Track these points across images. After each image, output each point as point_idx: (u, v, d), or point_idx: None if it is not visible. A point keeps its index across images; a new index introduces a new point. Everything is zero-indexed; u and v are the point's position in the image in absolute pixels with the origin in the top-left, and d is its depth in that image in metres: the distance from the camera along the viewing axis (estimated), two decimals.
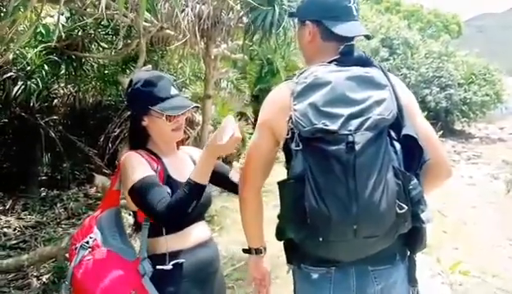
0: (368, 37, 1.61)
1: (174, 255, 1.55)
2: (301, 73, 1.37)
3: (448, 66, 14.71)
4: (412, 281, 1.45)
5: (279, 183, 1.31)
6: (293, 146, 1.26)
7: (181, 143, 1.77)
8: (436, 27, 24.73)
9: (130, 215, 1.82)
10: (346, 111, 1.24)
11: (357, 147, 1.20)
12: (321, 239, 1.24)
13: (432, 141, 1.38)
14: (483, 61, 15.78)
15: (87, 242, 1.56)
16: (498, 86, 15.08)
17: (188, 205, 1.47)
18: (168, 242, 1.55)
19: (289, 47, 4.95)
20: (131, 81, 1.64)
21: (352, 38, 1.41)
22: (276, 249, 1.61)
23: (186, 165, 1.69)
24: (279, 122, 1.35)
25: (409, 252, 1.44)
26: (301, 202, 1.22)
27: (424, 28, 23.60)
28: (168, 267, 1.52)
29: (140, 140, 1.64)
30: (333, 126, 1.22)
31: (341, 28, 1.43)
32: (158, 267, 1.52)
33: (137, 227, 1.62)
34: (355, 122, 1.23)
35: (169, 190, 1.53)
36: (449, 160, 1.47)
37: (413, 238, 1.37)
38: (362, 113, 1.24)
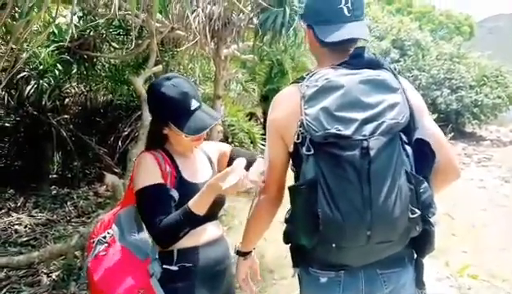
0: (364, 39, 1.49)
1: (182, 252, 1.56)
2: (311, 76, 1.34)
3: (460, 68, 14.56)
4: (420, 284, 1.44)
5: (290, 188, 1.30)
6: (304, 151, 1.24)
7: None
8: (448, 28, 24.51)
9: None
10: (360, 116, 1.22)
11: (372, 153, 1.19)
12: (333, 245, 1.23)
13: (440, 143, 1.36)
14: (495, 63, 15.60)
15: (105, 237, 1.61)
16: (510, 89, 14.89)
17: (180, 231, 1.49)
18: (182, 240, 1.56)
19: (299, 48, 4.97)
20: (151, 89, 1.63)
21: (347, 41, 1.37)
22: (281, 249, 1.62)
23: (201, 165, 1.71)
24: (288, 126, 1.33)
25: (417, 255, 1.43)
26: (313, 209, 1.21)
27: (436, 29, 23.42)
28: (175, 268, 1.54)
29: (158, 142, 1.65)
30: (346, 131, 1.20)
31: (330, 34, 1.38)
32: (165, 267, 1.54)
33: None
34: (369, 127, 1.21)
35: (176, 195, 1.54)
36: (457, 161, 1.45)
37: (422, 242, 1.36)
38: (376, 117, 1.23)
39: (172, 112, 1.56)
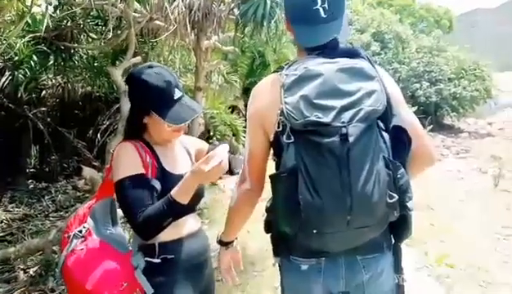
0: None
1: (164, 245, 1.54)
2: (290, 65, 1.35)
3: (439, 61, 14.76)
4: (398, 269, 1.46)
5: (271, 176, 1.30)
6: (284, 139, 1.25)
7: None
8: (427, 22, 24.78)
9: None
10: (338, 103, 1.24)
11: (351, 139, 1.20)
12: (314, 231, 1.24)
13: (416, 130, 1.38)
14: (474, 57, 15.87)
15: (80, 231, 1.56)
16: (488, 82, 15.16)
17: (164, 220, 1.46)
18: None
19: (281, 40, 4.95)
20: (133, 77, 1.59)
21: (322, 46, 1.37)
22: (263, 242, 1.61)
23: (180, 156, 1.69)
24: (269, 115, 1.33)
25: (395, 241, 1.45)
26: (294, 196, 1.22)
27: (416, 22, 23.65)
28: (157, 260, 1.52)
29: (137, 131, 1.61)
30: (326, 118, 1.22)
31: (307, 38, 1.40)
32: (147, 259, 1.51)
33: None
34: (347, 114, 1.23)
35: (159, 186, 1.51)
36: (433, 148, 1.48)
37: (400, 226, 1.38)
38: (354, 104, 1.24)
39: (154, 100, 1.52)
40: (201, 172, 1.42)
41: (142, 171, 1.50)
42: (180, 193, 1.46)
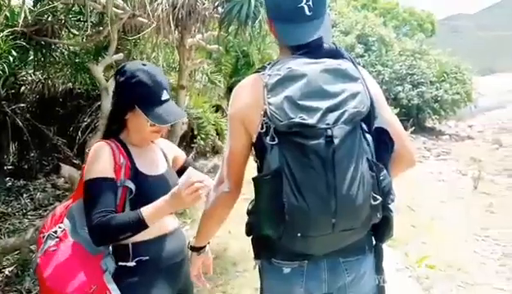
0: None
1: (138, 245, 1.52)
2: (272, 65, 1.33)
3: (421, 64, 14.99)
4: (380, 270, 1.46)
5: (254, 179, 1.28)
6: (268, 140, 1.23)
7: None
8: (411, 25, 25.10)
9: None
10: (323, 104, 1.22)
11: (336, 141, 1.19)
12: (299, 235, 1.23)
13: (397, 131, 1.39)
14: (455, 60, 16.14)
15: (55, 232, 1.53)
16: (468, 86, 15.46)
17: (123, 234, 1.44)
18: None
19: (265, 40, 4.93)
20: (125, 70, 1.56)
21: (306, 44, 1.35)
22: (245, 242, 1.59)
23: (156, 158, 1.66)
24: (251, 116, 1.31)
25: (376, 242, 1.45)
26: (278, 199, 1.20)
27: (400, 25, 23.93)
28: (132, 264, 1.50)
29: (116, 128, 1.60)
30: (311, 120, 1.20)
31: (291, 36, 1.37)
32: (120, 263, 1.49)
33: None
34: (332, 116, 1.22)
35: (133, 186, 1.50)
36: (413, 149, 1.49)
37: (382, 228, 1.38)
38: (338, 106, 1.23)
39: (142, 96, 1.52)
40: (179, 196, 1.39)
41: (112, 175, 1.49)
42: (152, 215, 1.43)
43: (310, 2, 1.34)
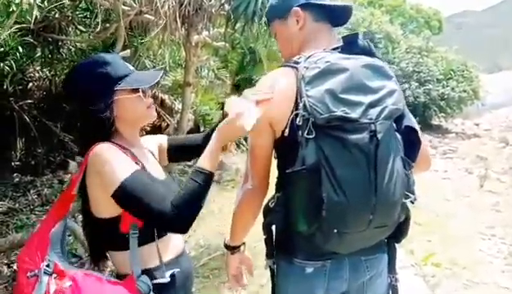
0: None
1: (167, 265, 1.41)
2: (307, 58, 1.29)
3: (428, 61, 14.89)
4: (393, 269, 1.47)
5: (288, 173, 1.23)
6: (304, 134, 1.19)
7: (159, 131, 1.69)
8: (417, 22, 24.98)
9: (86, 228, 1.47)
10: (365, 99, 1.22)
11: (379, 136, 1.18)
12: (335, 231, 1.20)
13: (418, 131, 1.38)
14: (462, 58, 16.03)
15: (48, 266, 1.26)
16: (475, 83, 15.34)
17: (203, 197, 1.30)
18: (161, 250, 1.39)
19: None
20: (82, 65, 1.45)
21: (343, 18, 1.44)
22: (251, 239, 1.60)
23: (148, 156, 1.55)
24: (281, 112, 1.27)
25: (391, 241, 1.45)
26: (315, 194, 1.17)
27: (406, 23, 23.82)
28: (166, 280, 1.37)
29: (104, 133, 1.38)
30: (354, 114, 1.19)
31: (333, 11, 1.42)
32: (155, 281, 1.35)
33: (114, 240, 1.37)
34: (374, 111, 1.21)
35: None
36: (429, 152, 1.49)
37: (401, 227, 1.38)
38: (379, 102, 1.23)
39: (117, 72, 1.38)
40: (228, 125, 1.31)
41: (138, 166, 1.35)
42: (210, 161, 1.32)
43: None
